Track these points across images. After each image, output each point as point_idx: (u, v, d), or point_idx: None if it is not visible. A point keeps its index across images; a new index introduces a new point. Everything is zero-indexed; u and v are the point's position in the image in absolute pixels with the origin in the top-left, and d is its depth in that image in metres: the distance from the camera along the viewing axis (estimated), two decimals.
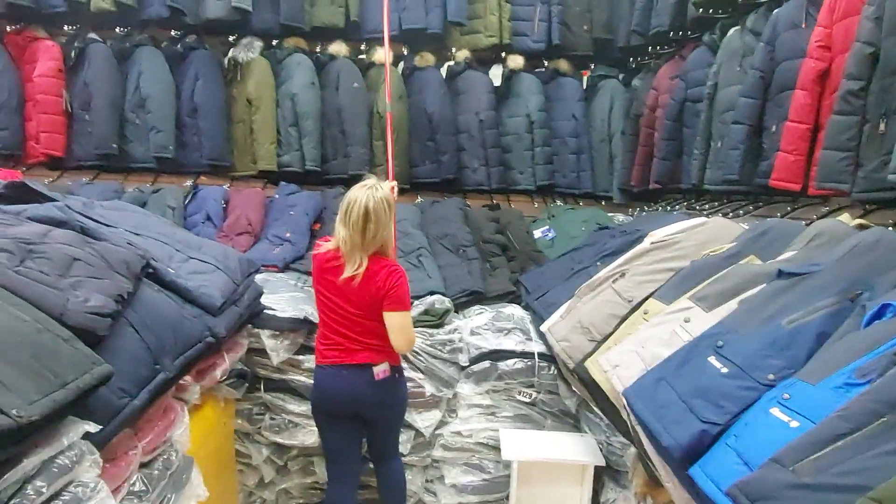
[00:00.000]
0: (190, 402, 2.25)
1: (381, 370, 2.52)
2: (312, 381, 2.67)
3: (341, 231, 2.43)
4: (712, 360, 1.62)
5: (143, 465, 1.81)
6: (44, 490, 1.15)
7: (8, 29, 4.43)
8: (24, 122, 4.40)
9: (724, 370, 1.56)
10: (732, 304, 1.79)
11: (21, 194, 2.27)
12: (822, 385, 1.27)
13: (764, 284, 1.75)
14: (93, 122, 4.36)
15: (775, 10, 2.93)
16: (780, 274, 1.68)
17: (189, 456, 2.12)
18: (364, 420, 2.62)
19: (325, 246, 2.54)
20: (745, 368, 1.52)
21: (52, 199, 2.26)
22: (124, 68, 4.45)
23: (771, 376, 1.46)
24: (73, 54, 4.36)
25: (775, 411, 1.34)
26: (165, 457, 1.94)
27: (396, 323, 2.45)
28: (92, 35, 4.43)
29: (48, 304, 1.45)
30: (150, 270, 2.10)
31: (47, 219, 1.98)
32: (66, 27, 4.53)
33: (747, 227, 2.37)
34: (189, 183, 4.50)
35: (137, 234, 2.40)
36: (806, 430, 1.17)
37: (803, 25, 2.72)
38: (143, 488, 1.75)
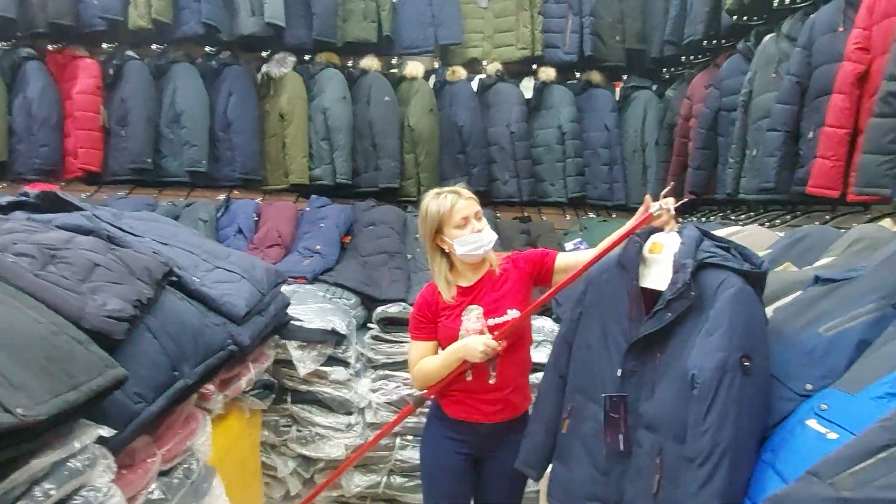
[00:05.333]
0: (213, 411, 2.24)
1: None
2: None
3: None
4: None
5: (162, 474, 1.80)
6: (52, 492, 1.14)
7: (50, 48, 4.56)
8: (63, 138, 4.52)
9: None
10: (767, 313, 1.71)
11: (52, 205, 2.31)
12: (863, 395, 1.19)
13: (799, 291, 1.67)
14: (128, 138, 4.43)
15: (811, 15, 2.85)
16: (817, 280, 1.59)
17: (211, 465, 2.10)
18: None
19: None
20: (780, 378, 1.45)
21: (82, 210, 2.30)
22: (160, 85, 4.54)
23: (808, 386, 1.38)
24: (110, 71, 4.47)
25: (812, 423, 1.27)
26: (186, 465, 1.92)
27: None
28: (129, 52, 4.53)
29: (67, 308, 1.45)
30: (175, 278, 2.11)
31: (74, 227, 2.01)
32: (104, 45, 4.64)
33: (783, 235, 2.27)
34: (222, 197, 4.56)
35: (164, 244, 2.42)
36: (845, 442, 1.10)
37: (840, 29, 2.63)
38: (162, 496, 1.74)
